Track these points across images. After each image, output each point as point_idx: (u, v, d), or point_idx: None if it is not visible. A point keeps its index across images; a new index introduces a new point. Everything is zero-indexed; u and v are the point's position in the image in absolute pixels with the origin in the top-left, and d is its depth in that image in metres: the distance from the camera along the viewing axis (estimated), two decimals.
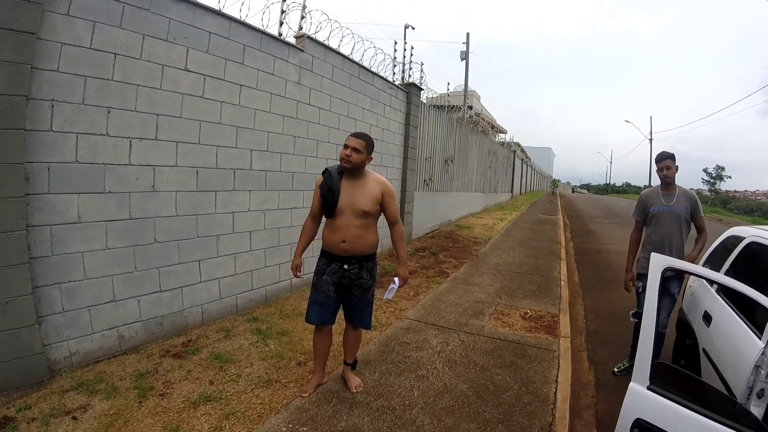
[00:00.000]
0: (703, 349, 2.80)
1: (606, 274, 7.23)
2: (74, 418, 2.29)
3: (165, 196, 3.24)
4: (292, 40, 4.58)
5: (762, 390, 1.98)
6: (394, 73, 7.46)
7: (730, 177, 64.41)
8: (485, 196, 16.53)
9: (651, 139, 38.25)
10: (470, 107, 18.73)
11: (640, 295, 3.30)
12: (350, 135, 2.58)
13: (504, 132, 32.92)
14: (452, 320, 4.19)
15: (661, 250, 3.09)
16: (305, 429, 2.35)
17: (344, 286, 2.62)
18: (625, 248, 3.66)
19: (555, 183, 59.46)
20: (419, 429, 2.42)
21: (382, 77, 6.49)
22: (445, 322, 4.13)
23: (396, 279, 2.69)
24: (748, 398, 2.03)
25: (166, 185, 3.24)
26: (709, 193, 59.60)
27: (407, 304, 4.62)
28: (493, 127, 26.74)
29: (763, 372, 2.00)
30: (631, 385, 1.68)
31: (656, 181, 3.45)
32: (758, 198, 68.04)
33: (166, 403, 2.50)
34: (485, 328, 4.03)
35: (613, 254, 9.00)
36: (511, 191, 25.44)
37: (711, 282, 2.87)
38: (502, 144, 23.80)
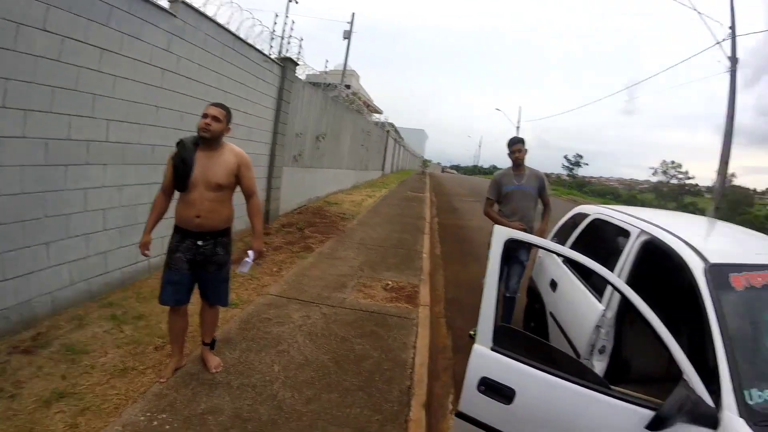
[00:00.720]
0: (550, 313, 3.06)
1: (467, 247, 7.81)
2: None
3: (8, 171, 2.84)
4: (165, 4, 4.23)
5: (603, 347, 2.26)
6: (272, 47, 7.33)
7: (587, 164, 72.26)
8: (356, 173, 16.96)
9: (518, 127, 41.95)
10: (348, 86, 18.96)
11: None
12: (210, 104, 2.54)
13: (380, 112, 33.98)
14: (315, 294, 4.28)
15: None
16: (164, 416, 2.29)
17: (198, 263, 2.56)
18: (485, 224, 3.89)
19: (425, 162, 63.47)
20: (280, 403, 2.49)
21: (257, 50, 6.32)
22: (307, 296, 4.21)
23: (250, 252, 2.66)
24: (591, 354, 2.29)
25: (9, 159, 2.84)
26: (567, 178, 66.23)
27: (270, 279, 4.62)
28: (368, 106, 27.45)
29: (603, 331, 2.28)
30: (475, 346, 1.74)
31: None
32: (611, 184, 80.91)
33: (16, 405, 2.28)
34: (347, 300, 4.18)
35: (474, 230, 9.63)
36: (383, 169, 26.52)
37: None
38: (377, 124, 24.61)
